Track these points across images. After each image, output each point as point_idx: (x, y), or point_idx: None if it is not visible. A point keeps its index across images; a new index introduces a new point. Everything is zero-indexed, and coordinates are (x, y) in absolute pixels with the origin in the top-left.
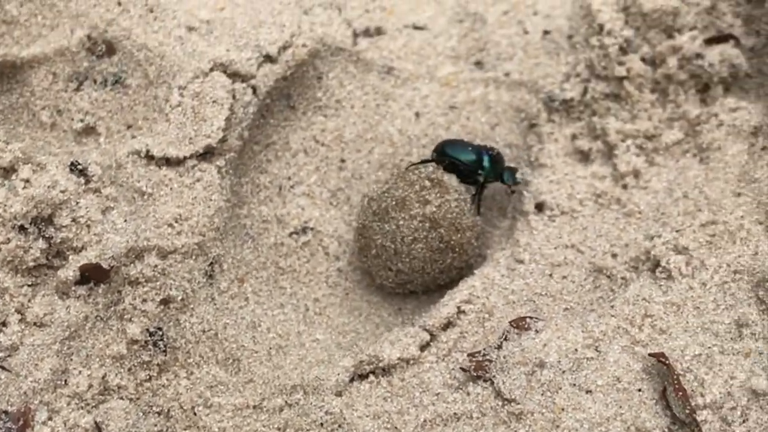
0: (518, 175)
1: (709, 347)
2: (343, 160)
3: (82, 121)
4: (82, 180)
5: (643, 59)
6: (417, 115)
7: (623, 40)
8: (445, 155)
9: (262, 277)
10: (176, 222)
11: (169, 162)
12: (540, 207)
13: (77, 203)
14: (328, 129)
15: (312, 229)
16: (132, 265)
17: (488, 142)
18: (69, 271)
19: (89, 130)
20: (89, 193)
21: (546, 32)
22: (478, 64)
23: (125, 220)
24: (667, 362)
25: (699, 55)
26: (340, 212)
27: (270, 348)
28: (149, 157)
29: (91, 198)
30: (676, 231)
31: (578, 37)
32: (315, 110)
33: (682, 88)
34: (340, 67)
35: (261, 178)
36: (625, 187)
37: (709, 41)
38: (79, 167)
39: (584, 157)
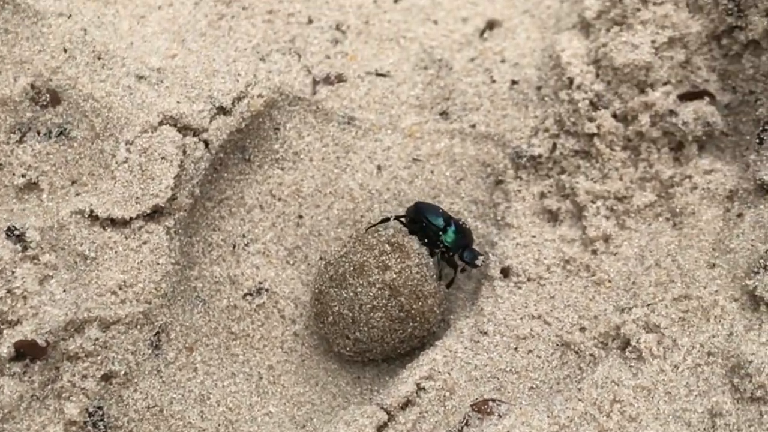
0: (479, 261)
1: None
2: (300, 216)
3: (23, 176)
4: (18, 247)
5: (614, 115)
6: (379, 168)
7: (594, 94)
8: (416, 213)
9: (212, 344)
10: (120, 289)
11: (114, 223)
12: (506, 272)
13: (13, 273)
14: (286, 183)
15: (267, 290)
16: (71, 339)
17: (453, 197)
18: (3, 348)
19: (31, 186)
20: (26, 261)
21: (514, 82)
22: (444, 114)
23: (64, 290)
24: None
25: (672, 112)
26: (297, 272)
27: (219, 425)
28: (93, 218)
29: (28, 267)
30: (647, 305)
31: (547, 90)
32: (272, 163)
33: (654, 146)
34: (298, 118)
35: (213, 236)
36: (594, 252)
37: (683, 97)
38: (16, 232)
39: (552, 217)
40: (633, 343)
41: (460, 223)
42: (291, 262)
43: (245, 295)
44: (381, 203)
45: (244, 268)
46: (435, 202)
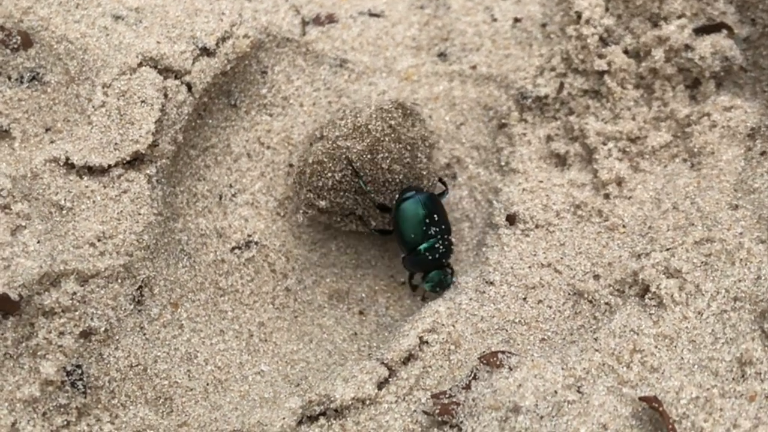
0: (440, 288)
1: (708, 389)
2: (291, 165)
3: None
4: None
5: (625, 51)
6: None
7: (603, 29)
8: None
9: (199, 300)
10: (99, 241)
11: (91, 171)
12: (512, 219)
13: None
14: (274, 130)
15: (256, 243)
16: (46, 293)
17: (453, 143)
18: None
19: (2, 134)
20: None
21: (516, 20)
22: (442, 55)
23: (38, 241)
24: (660, 408)
25: (688, 47)
26: (288, 224)
27: (207, 384)
28: (69, 166)
29: None
30: (666, 249)
31: (553, 26)
32: (259, 109)
33: (669, 83)
34: (287, 60)
35: (198, 186)
36: (607, 196)
37: (699, 31)
38: None
39: (560, 161)
40: (653, 289)
41: (443, 239)
42: (281, 214)
43: (233, 248)
44: None
45: (231, 220)
46: (435, 149)
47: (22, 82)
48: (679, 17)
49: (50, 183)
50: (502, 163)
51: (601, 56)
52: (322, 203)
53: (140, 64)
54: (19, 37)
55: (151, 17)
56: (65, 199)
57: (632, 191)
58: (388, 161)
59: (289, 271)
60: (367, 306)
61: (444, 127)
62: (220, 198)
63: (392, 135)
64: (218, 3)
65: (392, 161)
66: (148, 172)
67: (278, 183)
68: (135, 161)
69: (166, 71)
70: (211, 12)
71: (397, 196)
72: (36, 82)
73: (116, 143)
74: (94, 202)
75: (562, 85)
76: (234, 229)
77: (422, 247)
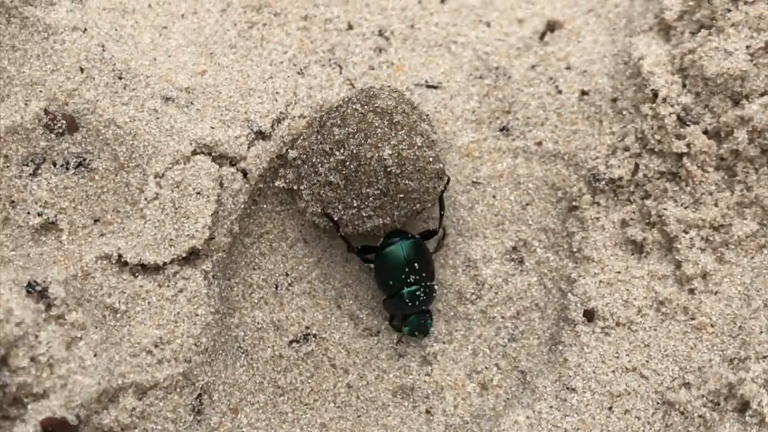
0: (417, 333)
1: None
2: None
3: (40, 214)
4: (41, 306)
5: (705, 131)
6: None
7: (681, 108)
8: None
9: (258, 403)
10: (156, 347)
11: (145, 269)
12: (590, 316)
13: (36, 337)
14: None
15: (315, 335)
16: (105, 411)
17: (519, 225)
18: (27, 427)
19: (49, 226)
20: (51, 322)
21: (584, 92)
22: (504, 130)
23: (95, 354)
24: None
25: None
26: (347, 313)
27: None
28: (122, 263)
29: (53, 329)
30: (764, 358)
31: (624, 102)
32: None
33: (752, 166)
34: None
35: (254, 276)
36: (692, 291)
37: None
38: (38, 288)
39: (637, 248)
40: (753, 405)
41: (425, 285)
42: (340, 304)
43: (291, 342)
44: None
45: (288, 312)
46: (498, 230)
47: (68, 169)
48: (762, 94)
49: (103, 283)
50: (574, 249)
51: (679, 137)
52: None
53: (194, 152)
54: (64, 121)
55: (203, 98)
56: (119, 301)
57: (718, 285)
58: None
59: (350, 366)
60: (434, 404)
61: (509, 207)
62: (276, 288)
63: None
64: (271, 81)
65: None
66: (204, 267)
67: (336, 270)
68: (191, 256)
69: (221, 158)
70: (264, 92)
71: (381, 240)
72: (83, 169)
73: (171, 239)
74: (149, 303)
75: (637, 166)
76: (291, 321)
77: (402, 293)
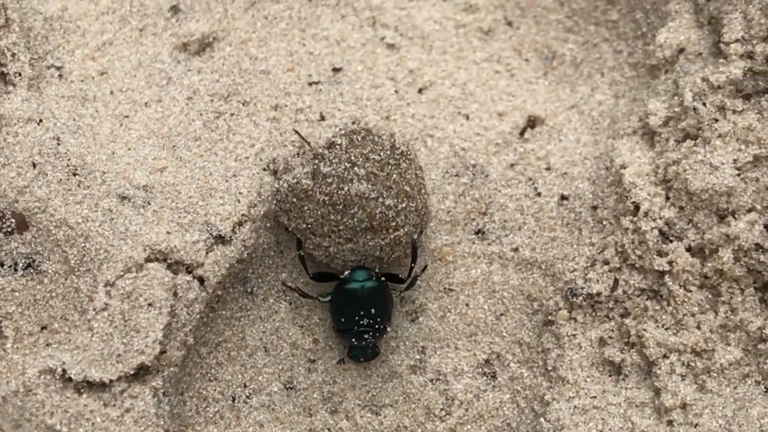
0: (362, 360)
1: None
2: (312, 360)
3: None
4: None
5: (689, 249)
6: (401, 299)
7: (664, 222)
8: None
9: None
10: None
11: (90, 386)
12: None
13: None
14: (294, 319)
15: None
16: None
17: (492, 336)
18: None
19: None
20: None
21: (563, 197)
22: (480, 233)
23: None
24: None
25: (759, 246)
26: (310, 429)
27: None
28: (66, 380)
29: None
30: None
31: (605, 211)
32: (278, 295)
33: (738, 286)
34: None
35: (209, 388)
36: (670, 423)
37: None
38: None
39: (615, 370)
40: None
41: (366, 333)
42: (302, 417)
43: None
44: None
45: (245, 427)
46: (471, 341)
47: (16, 270)
48: (749, 211)
49: (45, 401)
50: (549, 367)
51: (661, 254)
52: None
53: (148, 259)
54: (13, 220)
55: (161, 198)
56: (61, 422)
57: (698, 416)
58: None
59: None
60: None
61: (483, 317)
62: (233, 400)
63: None
64: (235, 180)
65: None
66: (154, 384)
67: (299, 381)
68: (139, 373)
69: (176, 264)
70: (227, 192)
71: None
72: (32, 271)
73: (119, 354)
74: (93, 424)
75: (616, 282)
76: None
77: (351, 331)
